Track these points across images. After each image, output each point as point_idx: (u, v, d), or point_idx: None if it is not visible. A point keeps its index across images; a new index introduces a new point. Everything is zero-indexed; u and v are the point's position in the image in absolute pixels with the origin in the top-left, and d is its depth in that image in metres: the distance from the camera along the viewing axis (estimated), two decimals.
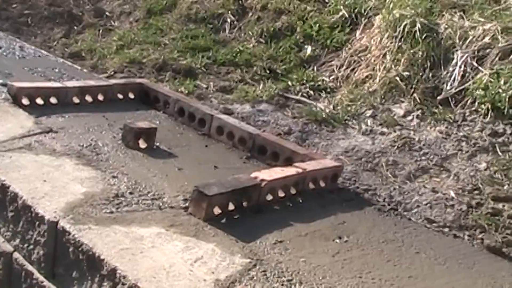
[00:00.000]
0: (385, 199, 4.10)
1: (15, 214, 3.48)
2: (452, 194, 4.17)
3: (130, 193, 3.58)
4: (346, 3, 6.31)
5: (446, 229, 3.85)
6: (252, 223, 3.44)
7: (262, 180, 3.66)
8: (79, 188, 3.55)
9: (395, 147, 4.65)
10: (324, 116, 5.09)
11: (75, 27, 7.82)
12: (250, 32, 6.75)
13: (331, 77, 5.81)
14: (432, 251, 3.51)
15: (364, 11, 6.13)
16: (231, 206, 3.50)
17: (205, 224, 3.32)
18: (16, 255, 3.51)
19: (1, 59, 6.09)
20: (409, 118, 5.00)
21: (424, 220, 3.92)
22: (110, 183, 3.67)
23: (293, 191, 3.89)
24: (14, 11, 8.27)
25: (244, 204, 3.57)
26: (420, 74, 5.24)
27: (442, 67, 5.27)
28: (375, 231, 3.62)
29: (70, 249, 3.11)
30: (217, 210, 3.43)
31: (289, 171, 3.88)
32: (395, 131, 4.83)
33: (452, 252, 3.56)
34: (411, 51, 5.31)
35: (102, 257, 2.93)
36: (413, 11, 5.43)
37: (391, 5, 5.68)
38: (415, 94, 5.13)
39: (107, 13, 8.17)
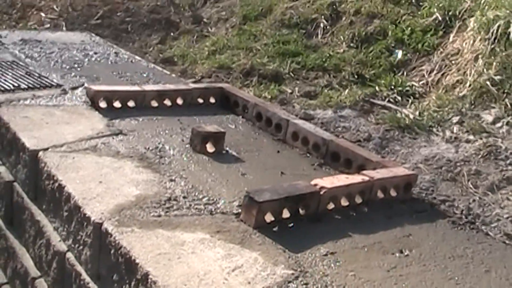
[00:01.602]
0: (462, 211, 3.78)
1: (68, 214, 3.46)
2: None
3: (184, 197, 3.47)
4: (441, 5, 6.01)
5: None
6: (306, 232, 3.24)
7: (322, 187, 3.45)
8: (133, 190, 3.48)
9: (480, 156, 4.31)
10: (407, 122, 4.82)
11: (172, 33, 7.87)
12: (341, 37, 6.54)
13: (421, 82, 5.51)
14: (505, 269, 3.17)
15: (459, 13, 5.79)
16: (286, 214, 3.32)
17: (254, 231, 3.16)
18: (68, 254, 3.49)
19: (94, 64, 6.18)
20: (499, 125, 4.64)
21: (504, 235, 3.56)
22: (166, 187, 3.57)
23: (358, 200, 3.65)
24: (117, 19, 8.44)
25: (301, 212, 3.38)
26: None
27: None
28: (443, 246, 3.32)
29: (112, 251, 3.03)
30: (269, 217, 3.25)
31: (354, 179, 3.65)
32: (481, 139, 4.48)
33: None
34: (504, 54, 4.94)
35: (137, 261, 2.83)
36: (508, 11, 5.06)
37: (486, 6, 5.32)
38: (506, 100, 4.76)
39: (204, 20, 8.19)
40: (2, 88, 4.98)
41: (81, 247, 3.34)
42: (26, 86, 5.11)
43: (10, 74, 5.38)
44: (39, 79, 5.31)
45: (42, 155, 3.83)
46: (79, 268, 3.35)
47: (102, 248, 3.13)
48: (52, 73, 5.59)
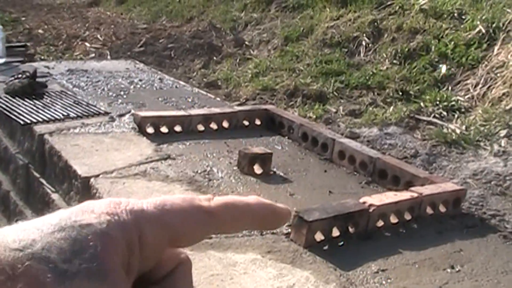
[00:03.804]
0: None
1: None
2: None
3: None
4: (483, 17, 5.96)
5: None
6: (356, 250, 3.25)
7: (371, 205, 3.46)
8: None
9: None
10: (454, 137, 4.80)
11: (215, 58, 7.96)
12: (384, 54, 6.54)
13: (466, 97, 5.47)
14: None
15: (503, 25, 5.75)
16: (335, 232, 3.33)
17: (304, 250, 3.18)
18: None
19: (139, 91, 6.28)
20: None
21: None
22: None
23: (407, 216, 3.65)
24: (159, 46, 8.58)
25: (351, 230, 3.39)
26: None
27: None
28: (494, 261, 3.30)
29: None
30: (319, 236, 3.27)
31: (403, 195, 3.65)
32: None
33: None
34: None
35: None
36: None
37: None
38: None
39: (246, 43, 8.26)
40: (53, 118, 5.10)
41: None
42: (75, 115, 5.22)
43: (59, 103, 5.50)
44: (87, 108, 5.43)
45: (93, 182, 3.92)
46: None
47: None
48: (99, 101, 5.70)
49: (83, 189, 3.98)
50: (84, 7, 12.36)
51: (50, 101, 5.58)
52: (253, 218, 0.64)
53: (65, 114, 5.21)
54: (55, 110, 5.30)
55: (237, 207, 0.64)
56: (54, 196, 4.46)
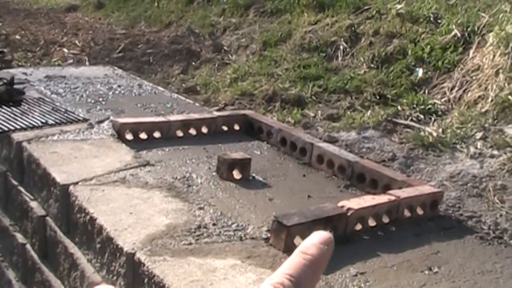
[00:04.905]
0: (489, 227, 3.79)
1: (101, 245, 3.53)
2: None
3: (213, 224, 3.52)
4: (459, 21, 6.03)
5: None
6: (335, 254, 3.23)
7: (349, 209, 3.49)
8: (163, 220, 3.54)
9: (505, 170, 4.32)
10: (431, 140, 4.85)
11: (193, 63, 7.98)
12: (361, 58, 6.59)
13: (443, 100, 5.53)
14: None
15: (478, 28, 5.82)
16: None
17: (284, 255, 3.20)
18: None
19: (118, 97, 6.27)
20: None
21: None
22: (195, 215, 3.63)
23: (385, 219, 3.68)
24: (138, 51, 8.59)
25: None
26: None
27: None
28: (471, 262, 3.34)
29: (145, 281, 3.09)
30: (298, 241, 3.29)
31: (381, 199, 3.69)
32: (505, 153, 4.49)
33: None
34: None
35: None
36: None
37: (504, 21, 5.35)
38: None
39: (225, 48, 8.29)
40: (31, 125, 5.08)
41: (115, 277, 3.40)
42: (53, 122, 5.21)
43: (37, 110, 5.49)
44: (65, 115, 5.41)
45: (72, 189, 3.92)
46: None
47: (136, 277, 3.19)
48: (78, 107, 5.69)
49: (62, 197, 3.98)
50: (62, 12, 12.32)
51: (28, 108, 5.56)
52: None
53: (43, 121, 5.19)
54: (33, 117, 5.29)
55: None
56: (33, 204, 4.45)
